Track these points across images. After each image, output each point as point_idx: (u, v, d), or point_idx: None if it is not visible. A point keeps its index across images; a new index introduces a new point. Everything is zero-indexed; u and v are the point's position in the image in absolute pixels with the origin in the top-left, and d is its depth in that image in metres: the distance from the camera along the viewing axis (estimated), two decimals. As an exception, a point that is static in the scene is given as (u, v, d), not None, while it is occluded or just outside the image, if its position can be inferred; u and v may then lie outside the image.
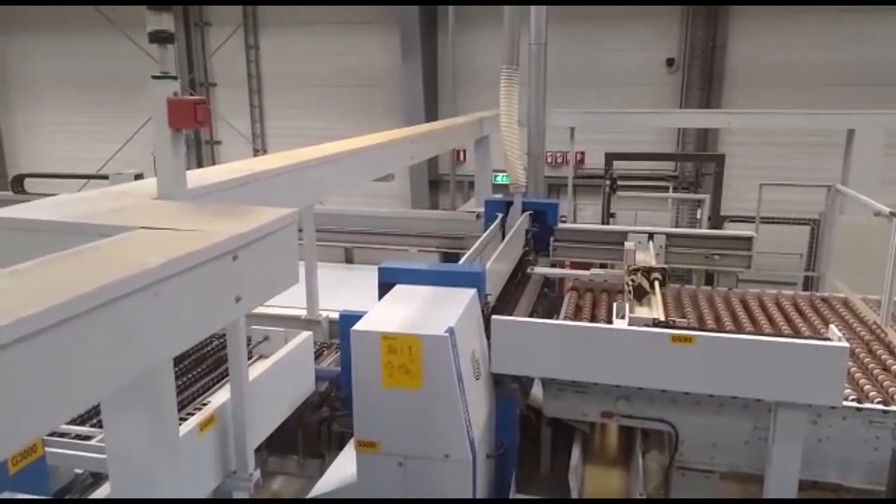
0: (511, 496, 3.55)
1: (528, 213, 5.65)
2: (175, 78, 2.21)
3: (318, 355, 4.34)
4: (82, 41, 13.82)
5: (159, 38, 2.14)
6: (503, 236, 5.21)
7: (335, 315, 4.35)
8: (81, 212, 2.00)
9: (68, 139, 14.33)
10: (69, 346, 1.24)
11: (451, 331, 3.06)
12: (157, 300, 1.46)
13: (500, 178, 8.41)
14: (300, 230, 4.38)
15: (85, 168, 12.12)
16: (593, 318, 4.60)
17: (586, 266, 5.76)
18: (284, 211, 1.94)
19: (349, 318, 3.34)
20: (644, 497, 3.54)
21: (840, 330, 3.37)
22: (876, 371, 3.83)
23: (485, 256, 4.14)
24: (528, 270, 5.49)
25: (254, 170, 2.96)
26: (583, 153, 11.68)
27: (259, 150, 13.63)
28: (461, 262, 4.01)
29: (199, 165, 12.56)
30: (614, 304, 4.07)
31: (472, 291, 3.57)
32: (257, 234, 1.79)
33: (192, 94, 2.94)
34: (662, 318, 3.76)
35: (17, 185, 9.29)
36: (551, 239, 5.73)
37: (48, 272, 1.42)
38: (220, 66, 13.73)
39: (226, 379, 3.23)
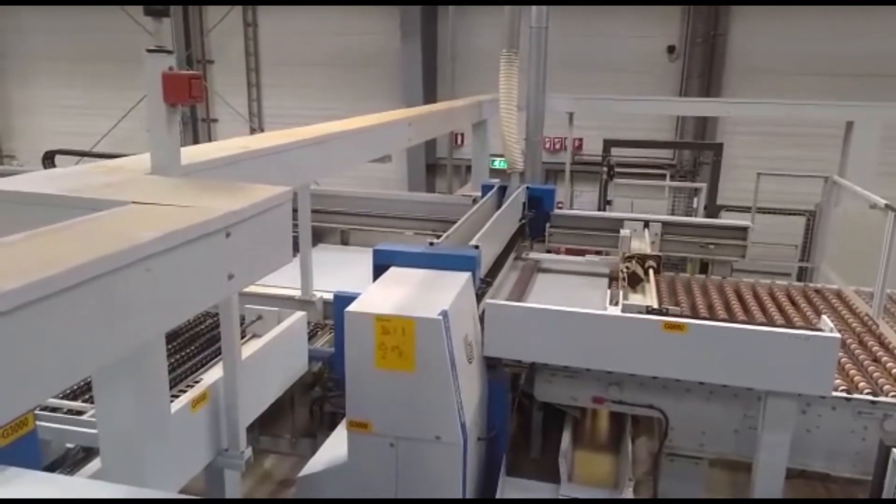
0: (501, 479, 3.57)
1: (524, 186, 5.65)
2: (171, 52, 2.19)
3: (311, 335, 4.34)
4: (78, 15, 13.66)
5: (154, 11, 2.11)
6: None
7: (329, 296, 4.35)
8: (74, 185, 1.98)
9: (64, 114, 14.21)
10: (59, 320, 1.24)
11: (444, 314, 3.06)
12: (149, 275, 1.45)
13: (498, 163, 8.38)
14: (295, 210, 4.36)
15: (79, 143, 12.04)
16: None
17: (581, 252, 5.77)
18: (278, 189, 1.93)
19: (343, 299, 3.33)
20: (633, 482, 3.57)
21: (832, 321, 3.39)
22: (866, 362, 3.86)
23: (482, 235, 4.13)
24: (524, 255, 5.50)
25: (249, 147, 2.94)
26: (581, 139, 11.64)
27: (256, 128, 13.54)
28: (445, 236, 4.01)
29: (196, 143, 12.48)
30: (608, 291, 4.08)
31: (467, 275, 3.57)
32: (251, 212, 1.78)
33: (188, 70, 2.91)
34: (656, 306, 3.77)
35: (48, 161, 9.14)
36: (547, 225, 5.72)
37: (39, 245, 1.42)
38: (218, 43, 13.60)
39: (219, 357, 3.23)
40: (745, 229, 5.50)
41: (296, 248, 4.40)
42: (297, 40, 13.10)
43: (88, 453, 2.66)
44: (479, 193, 5.84)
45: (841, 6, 10.59)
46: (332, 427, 3.83)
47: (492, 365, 3.61)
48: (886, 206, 4.44)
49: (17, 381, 1.17)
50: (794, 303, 4.79)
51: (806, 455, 3.51)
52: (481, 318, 3.57)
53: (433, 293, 3.31)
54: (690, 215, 9.58)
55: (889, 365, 3.82)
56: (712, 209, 9.61)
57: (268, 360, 3.39)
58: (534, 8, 6.05)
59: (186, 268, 1.57)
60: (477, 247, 3.84)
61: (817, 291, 5.09)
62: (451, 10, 11.23)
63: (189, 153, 2.58)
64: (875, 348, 4.05)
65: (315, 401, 4.20)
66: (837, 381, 3.52)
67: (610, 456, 4.00)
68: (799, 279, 8.17)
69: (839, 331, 3.31)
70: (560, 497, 3.51)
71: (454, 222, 4.43)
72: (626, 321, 3.44)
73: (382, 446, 3.18)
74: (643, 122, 11.56)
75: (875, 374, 3.69)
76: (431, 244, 3.82)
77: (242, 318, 3.66)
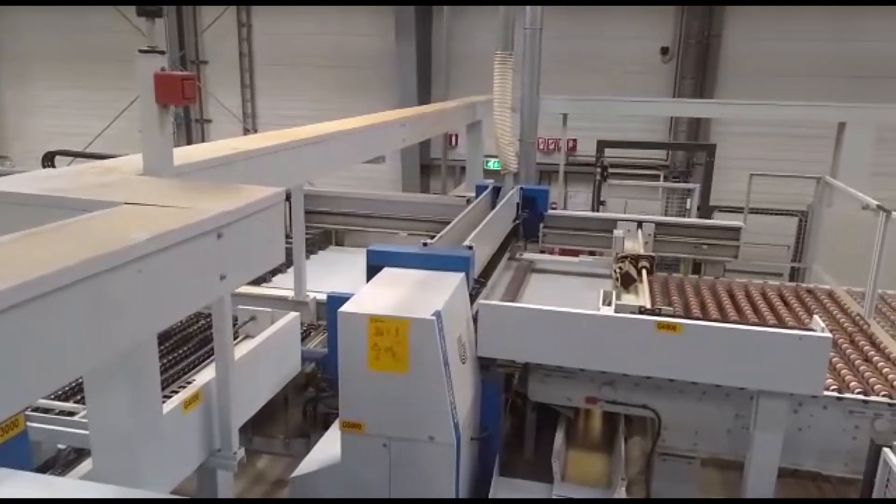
0: (494, 479, 3.57)
1: (518, 187, 5.66)
2: (163, 52, 2.18)
3: (304, 336, 4.34)
4: (73, 15, 13.61)
5: (147, 11, 2.11)
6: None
7: (323, 296, 4.35)
8: (65, 186, 1.98)
9: (58, 114, 14.15)
10: (51, 320, 1.24)
11: (437, 314, 3.07)
12: (141, 276, 1.45)
13: (492, 164, 8.39)
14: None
15: (74, 143, 11.99)
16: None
17: (575, 253, 5.78)
18: (271, 190, 1.94)
19: (337, 300, 3.33)
20: (626, 482, 3.58)
21: (824, 321, 3.41)
22: (857, 362, 3.88)
23: (476, 235, 4.14)
24: (518, 256, 5.51)
25: (241, 148, 2.93)
26: (575, 140, 11.67)
27: (250, 129, 13.51)
28: (439, 236, 4.02)
29: (189, 143, 12.43)
30: (601, 291, 4.09)
31: (461, 275, 3.58)
32: (243, 213, 1.78)
33: (181, 70, 2.91)
34: (649, 306, 3.78)
35: (48, 162, 9.03)
36: (541, 225, 5.73)
37: (31, 245, 1.41)
38: (212, 43, 13.56)
39: (212, 358, 3.22)
40: (737, 230, 5.53)
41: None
42: (291, 41, 13.08)
43: (80, 454, 2.65)
44: (473, 194, 5.85)
45: (834, 8, 10.64)
46: (326, 427, 3.83)
47: (485, 365, 3.61)
48: (878, 206, 4.47)
49: (8, 381, 1.17)
50: (786, 303, 4.81)
51: (797, 454, 3.53)
52: (475, 319, 3.57)
53: (427, 294, 3.32)
54: (684, 216, 9.61)
55: (880, 364, 3.84)
56: (705, 210, 9.65)
57: (261, 360, 3.39)
58: (528, 9, 6.06)
59: (178, 269, 1.57)
60: (471, 247, 3.85)
61: (809, 291, 5.11)
62: (446, 11, 11.22)
63: (182, 154, 2.57)
64: (866, 348, 4.07)
65: (308, 401, 4.20)
66: (829, 380, 3.54)
67: (603, 456, 4.01)
68: (791, 279, 8.21)
69: (831, 331, 3.33)
70: (553, 497, 3.52)
71: (448, 223, 4.43)
72: (620, 321, 3.44)
73: (376, 447, 3.18)
74: (637, 123, 11.59)
75: (866, 374, 3.72)
76: (425, 245, 3.82)
77: (235, 319, 3.66)
